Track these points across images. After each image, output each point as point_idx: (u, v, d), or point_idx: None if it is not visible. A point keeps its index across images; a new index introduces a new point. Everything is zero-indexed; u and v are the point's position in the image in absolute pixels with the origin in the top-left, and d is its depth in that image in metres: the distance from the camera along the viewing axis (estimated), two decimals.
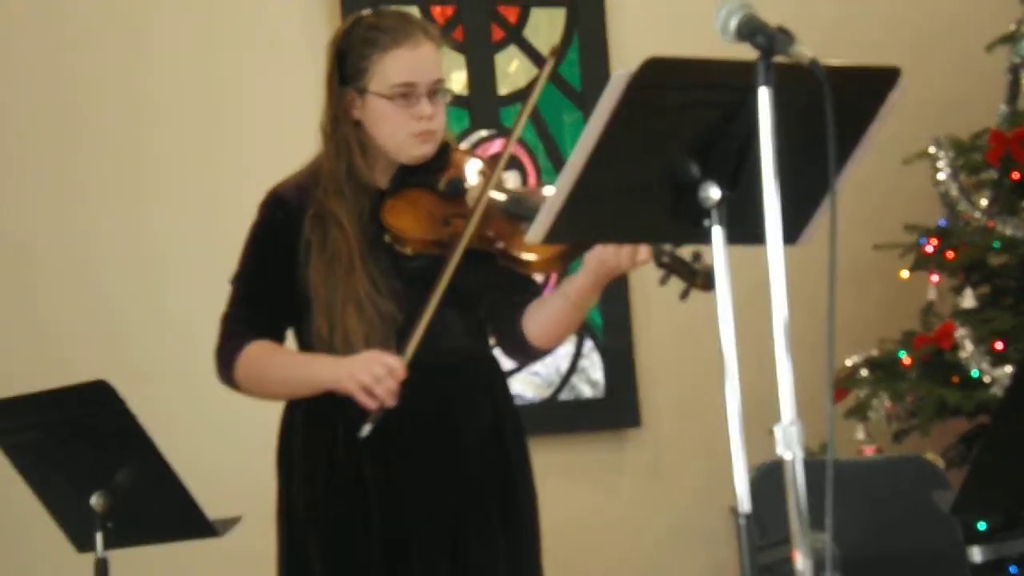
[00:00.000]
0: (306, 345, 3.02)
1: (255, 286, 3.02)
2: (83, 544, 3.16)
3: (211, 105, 4.74)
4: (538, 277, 3.11)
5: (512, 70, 5.12)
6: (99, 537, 3.07)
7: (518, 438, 3.05)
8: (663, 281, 2.81)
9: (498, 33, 5.11)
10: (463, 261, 2.91)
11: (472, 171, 3.01)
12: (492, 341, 3.10)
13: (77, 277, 4.59)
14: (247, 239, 3.06)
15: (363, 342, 2.91)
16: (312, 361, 2.95)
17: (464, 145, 4.82)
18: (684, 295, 2.81)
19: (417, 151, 2.98)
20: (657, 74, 2.18)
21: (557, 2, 5.15)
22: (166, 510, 3.13)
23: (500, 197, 2.92)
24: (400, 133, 2.96)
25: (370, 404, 2.83)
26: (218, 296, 3.10)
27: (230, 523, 3.27)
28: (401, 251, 2.94)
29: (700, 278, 2.79)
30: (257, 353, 2.97)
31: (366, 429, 2.83)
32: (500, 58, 5.11)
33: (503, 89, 5.10)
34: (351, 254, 2.94)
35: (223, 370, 3.01)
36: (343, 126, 2.99)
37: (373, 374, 2.81)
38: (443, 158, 3.02)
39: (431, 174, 2.99)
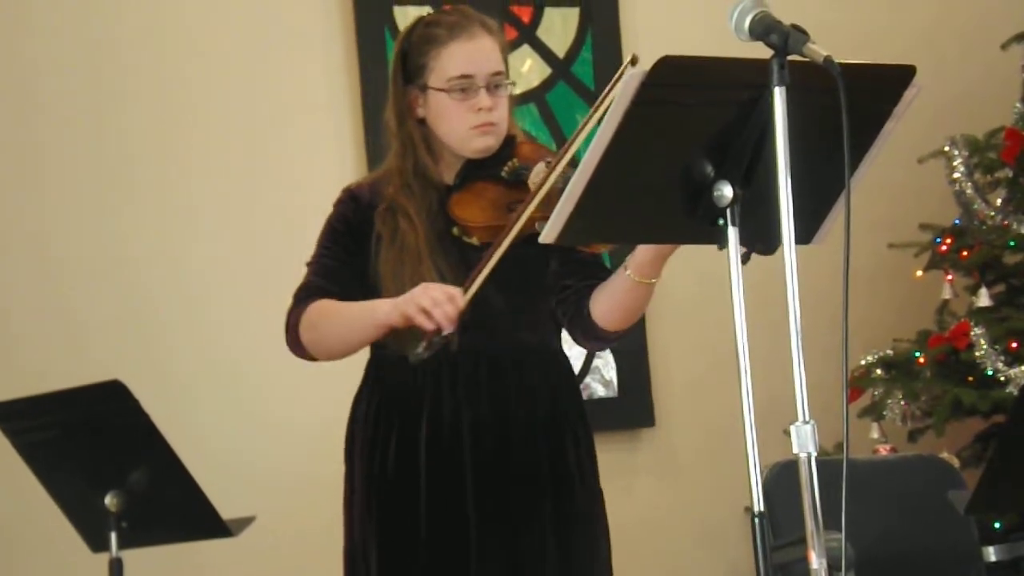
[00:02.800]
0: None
1: (328, 263, 3.07)
2: (97, 544, 3.17)
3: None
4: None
5: (525, 70, 5.11)
6: (113, 537, 3.08)
7: (578, 435, 3.05)
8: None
9: (511, 33, 5.10)
10: (532, 249, 2.90)
11: (538, 160, 3.00)
12: (564, 329, 3.08)
13: (107, 274, 4.59)
14: (322, 230, 3.11)
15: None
16: (372, 303, 2.98)
17: None
18: (745, 259, 2.71)
19: (479, 144, 3.00)
20: (670, 74, 2.18)
21: (571, 2, 5.14)
22: (180, 510, 3.13)
23: (561, 181, 2.90)
24: (460, 126, 2.99)
25: (427, 326, 2.84)
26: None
27: (244, 523, 3.27)
28: (468, 242, 2.96)
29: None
30: (318, 309, 3.01)
31: (421, 349, 2.83)
32: (513, 58, 5.09)
33: (516, 88, 5.08)
34: (419, 246, 2.98)
35: (290, 335, 3.04)
36: (408, 124, 3.04)
37: (432, 297, 2.83)
38: (509, 151, 3.03)
39: (496, 166, 3.00)
